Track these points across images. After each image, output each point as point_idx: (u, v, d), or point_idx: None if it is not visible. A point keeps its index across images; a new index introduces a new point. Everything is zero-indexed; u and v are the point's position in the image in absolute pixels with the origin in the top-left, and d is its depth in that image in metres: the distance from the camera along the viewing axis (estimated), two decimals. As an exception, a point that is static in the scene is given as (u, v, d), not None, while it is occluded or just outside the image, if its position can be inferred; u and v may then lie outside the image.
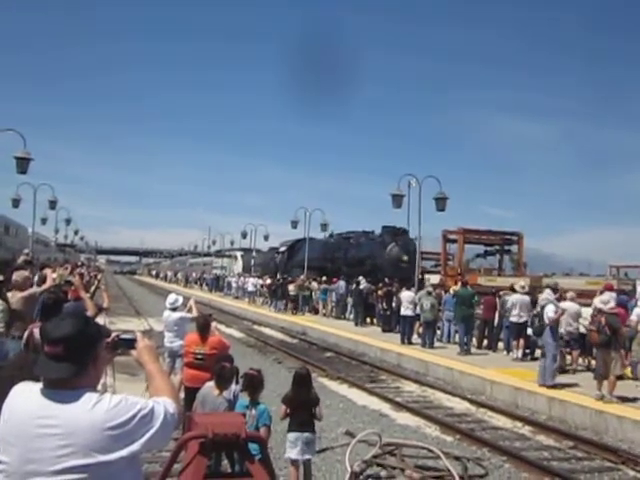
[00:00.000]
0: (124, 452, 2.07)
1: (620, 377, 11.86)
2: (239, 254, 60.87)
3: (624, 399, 10.61)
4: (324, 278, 29.92)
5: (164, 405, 2.23)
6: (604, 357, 10.78)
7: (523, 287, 16.04)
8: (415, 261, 26.31)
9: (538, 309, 13.27)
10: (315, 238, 40.43)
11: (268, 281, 35.53)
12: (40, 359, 2.18)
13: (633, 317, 12.05)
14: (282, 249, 45.13)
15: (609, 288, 11.89)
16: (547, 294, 13.07)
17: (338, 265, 33.55)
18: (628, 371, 12.75)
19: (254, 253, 54.13)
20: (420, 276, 26.24)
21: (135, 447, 2.10)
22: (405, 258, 28.84)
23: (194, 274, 64.11)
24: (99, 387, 2.32)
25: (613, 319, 10.74)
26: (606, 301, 11.02)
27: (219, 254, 71.83)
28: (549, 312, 11.88)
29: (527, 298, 15.62)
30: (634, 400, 10.66)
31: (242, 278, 44.52)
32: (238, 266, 58.87)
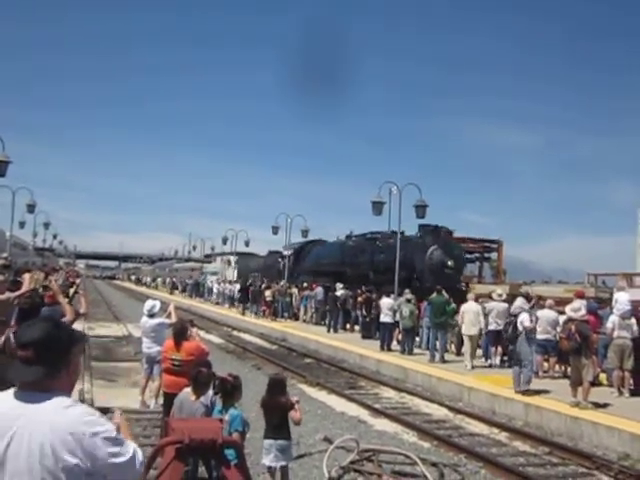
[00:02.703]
0: (82, 463, 2.08)
1: (595, 384, 12.06)
2: (233, 259, 55.66)
3: (599, 405, 10.75)
4: (340, 285, 25.83)
5: (135, 449, 2.26)
6: (575, 364, 10.94)
7: (500, 295, 16.20)
8: (462, 268, 24.48)
9: (512, 317, 13.42)
10: (326, 241, 37.77)
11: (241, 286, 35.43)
12: (14, 363, 2.21)
13: (608, 324, 12.23)
14: (287, 253, 40.27)
15: (580, 296, 12.05)
16: (520, 302, 13.22)
17: (362, 271, 28.47)
18: (603, 378, 12.93)
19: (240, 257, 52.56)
20: (465, 286, 24.10)
21: (95, 464, 2.11)
22: (450, 263, 24.71)
23: (178, 280, 61.51)
24: (76, 392, 2.34)
25: (583, 326, 10.89)
26: (577, 309, 11.18)
27: (209, 258, 68.13)
28: (524, 321, 12.03)
29: (505, 305, 15.77)
30: (609, 406, 10.81)
31: (223, 284, 44.40)
32: (232, 271, 54.08)
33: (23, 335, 2.21)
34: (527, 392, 11.61)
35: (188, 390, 5.98)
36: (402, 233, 27.20)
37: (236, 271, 52.67)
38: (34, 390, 2.15)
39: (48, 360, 2.18)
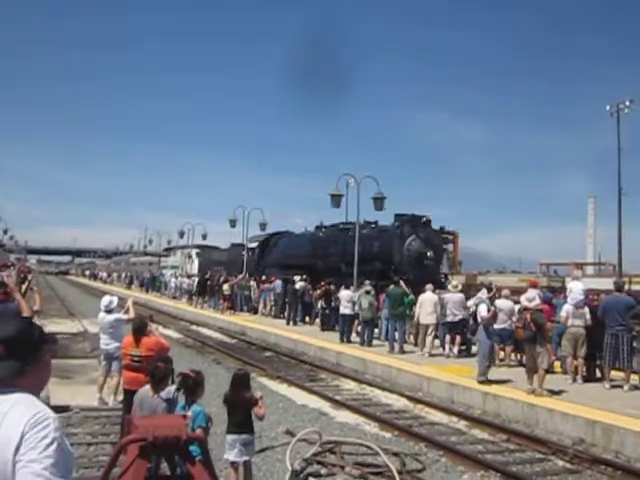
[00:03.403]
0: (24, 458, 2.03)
1: (550, 371, 12.35)
2: (194, 252, 53.47)
3: (554, 392, 11.02)
4: (298, 278, 25.47)
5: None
6: (531, 352, 11.20)
7: (456, 286, 16.50)
8: (442, 258, 23.39)
9: (473, 308, 13.68)
10: (293, 232, 36.27)
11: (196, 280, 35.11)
12: None
13: (562, 313, 12.53)
14: (252, 245, 38.42)
15: (534, 285, 12.34)
16: (481, 293, 13.44)
17: (334, 263, 26.88)
18: (558, 365, 13.25)
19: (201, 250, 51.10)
20: (445, 279, 23.04)
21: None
22: (430, 254, 23.42)
23: (136, 274, 59.79)
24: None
25: (538, 315, 11.14)
26: (531, 298, 11.42)
27: (168, 252, 64.84)
28: (482, 312, 12.26)
29: (460, 296, 16.10)
30: (563, 393, 11.09)
31: (180, 278, 43.95)
32: (193, 265, 51.80)
33: None
34: (486, 382, 11.79)
35: (147, 387, 5.91)
36: (375, 223, 26.83)
37: (197, 264, 50.67)
38: (1, 386, 2.13)
39: (17, 357, 2.15)
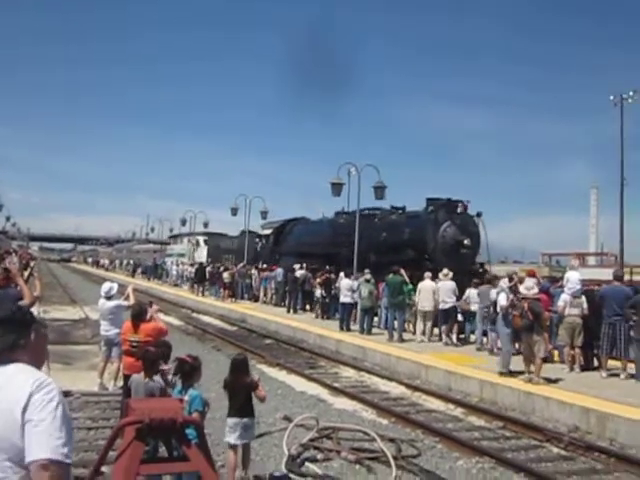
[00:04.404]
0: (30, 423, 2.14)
1: (548, 360, 12.43)
2: (202, 239, 51.64)
3: (551, 381, 11.10)
4: (298, 266, 25.14)
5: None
6: (528, 341, 11.25)
7: (446, 275, 16.59)
8: (478, 246, 21.42)
9: (494, 296, 13.54)
10: (309, 219, 33.81)
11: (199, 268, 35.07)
12: None
13: (560, 303, 12.58)
14: (266, 232, 36.32)
15: (532, 275, 12.34)
16: (502, 282, 13.42)
17: (359, 252, 24.32)
18: (556, 354, 13.33)
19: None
20: (481, 268, 20.98)
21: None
22: (467, 242, 21.15)
23: (140, 262, 58.56)
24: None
25: (535, 304, 11.17)
26: (530, 287, 11.45)
27: (174, 239, 62.49)
28: (501, 301, 12.02)
29: (451, 284, 16.23)
30: (560, 381, 11.17)
31: (181, 265, 44.02)
32: (201, 253, 49.64)
33: None
34: (506, 374, 11.60)
35: (138, 374, 6.02)
36: (403, 208, 25.14)
37: (206, 252, 48.66)
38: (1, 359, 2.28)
39: (11, 332, 2.32)
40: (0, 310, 2.44)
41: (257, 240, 37.57)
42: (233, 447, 6.19)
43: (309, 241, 29.50)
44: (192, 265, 41.34)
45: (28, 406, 2.13)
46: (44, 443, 2.11)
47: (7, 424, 2.13)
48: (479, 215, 21.88)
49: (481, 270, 20.36)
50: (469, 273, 17.16)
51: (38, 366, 2.41)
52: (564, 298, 12.54)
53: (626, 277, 22.12)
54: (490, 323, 14.33)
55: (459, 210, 21.73)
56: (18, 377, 2.22)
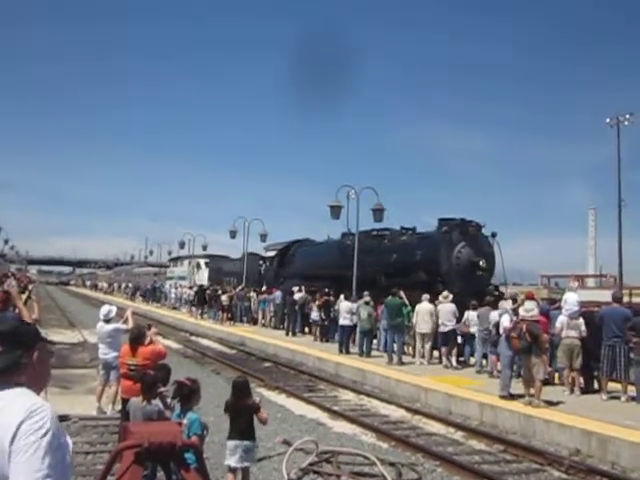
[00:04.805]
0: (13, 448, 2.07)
1: (549, 383, 12.39)
2: (202, 261, 50.78)
3: (551, 403, 11.05)
4: (296, 289, 25.09)
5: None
6: (526, 363, 11.21)
7: (446, 297, 16.55)
8: (494, 268, 20.89)
9: (497, 318, 13.56)
10: (314, 240, 33.04)
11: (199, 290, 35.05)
12: None
13: (557, 324, 12.57)
14: (269, 254, 35.53)
15: (530, 297, 12.34)
16: (506, 304, 13.35)
17: (369, 274, 23.23)
18: (556, 377, 13.28)
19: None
20: (496, 291, 20.23)
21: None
22: (482, 264, 20.63)
23: (140, 285, 57.58)
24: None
25: (534, 326, 11.16)
26: (529, 309, 11.45)
27: (175, 262, 60.93)
28: (504, 322, 11.98)
29: (451, 306, 16.20)
30: (560, 404, 11.11)
31: (180, 288, 43.93)
32: (202, 275, 48.57)
33: None
34: (507, 397, 11.53)
35: (137, 398, 6.00)
36: (413, 229, 24.71)
37: (207, 275, 47.70)
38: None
39: (13, 349, 2.24)
40: (2, 324, 2.35)
41: (261, 262, 36.92)
42: (233, 470, 6.14)
43: (315, 263, 28.71)
44: (191, 288, 41.12)
45: (16, 435, 2.07)
46: (22, 474, 2.03)
47: (0, 453, 2.08)
48: (494, 235, 21.35)
49: (497, 293, 19.56)
50: (484, 296, 16.44)
51: (40, 388, 2.37)
52: (561, 320, 12.53)
53: (625, 299, 22.08)
54: (490, 345, 14.29)
55: (473, 228, 21.28)
56: (16, 402, 2.15)
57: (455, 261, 20.76)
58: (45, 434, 2.10)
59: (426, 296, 16.83)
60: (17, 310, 8.40)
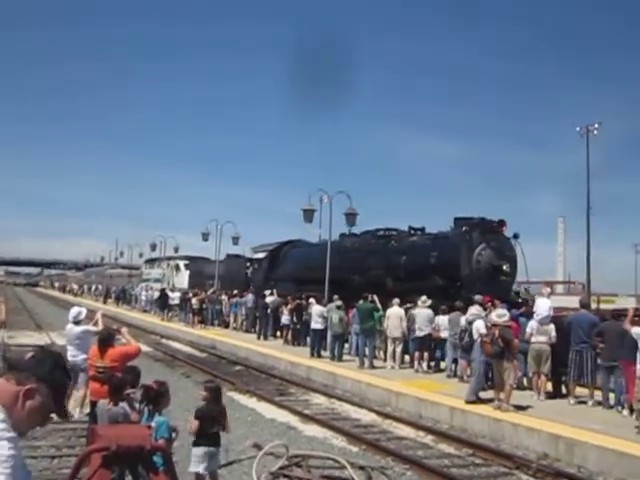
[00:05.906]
0: None
1: (519, 387, 12.53)
2: (182, 263, 48.29)
3: (520, 408, 11.16)
4: (268, 292, 24.70)
5: None
6: (498, 368, 11.32)
7: (424, 302, 16.57)
8: (516, 272, 19.47)
9: (465, 324, 13.67)
10: (307, 241, 31.22)
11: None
12: None
13: (527, 330, 12.71)
14: (259, 256, 33.08)
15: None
16: (475, 310, 13.41)
17: (375, 278, 21.52)
18: (525, 381, 13.43)
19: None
20: (519, 298, 18.07)
21: None
22: (505, 268, 19.01)
23: (114, 287, 55.19)
24: None
25: (506, 331, 11.27)
26: (502, 315, 11.57)
27: (152, 263, 58.11)
28: (480, 328, 11.97)
29: (429, 312, 16.23)
30: (529, 408, 11.23)
31: (150, 291, 43.43)
32: (182, 279, 46.25)
33: None
34: (474, 402, 11.57)
35: (104, 400, 5.93)
36: (422, 229, 22.83)
37: (187, 277, 45.51)
38: None
39: None
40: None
41: (248, 264, 34.52)
42: (200, 477, 6.09)
43: (310, 265, 26.01)
44: (172, 291, 40.16)
45: None
46: None
47: None
48: (516, 237, 19.56)
49: (520, 300, 17.11)
50: (506, 302, 14.58)
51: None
52: (531, 325, 12.68)
53: (593, 305, 22.44)
54: (461, 350, 14.38)
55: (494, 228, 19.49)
56: None
57: (475, 265, 18.97)
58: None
59: (396, 300, 16.86)
60: None
